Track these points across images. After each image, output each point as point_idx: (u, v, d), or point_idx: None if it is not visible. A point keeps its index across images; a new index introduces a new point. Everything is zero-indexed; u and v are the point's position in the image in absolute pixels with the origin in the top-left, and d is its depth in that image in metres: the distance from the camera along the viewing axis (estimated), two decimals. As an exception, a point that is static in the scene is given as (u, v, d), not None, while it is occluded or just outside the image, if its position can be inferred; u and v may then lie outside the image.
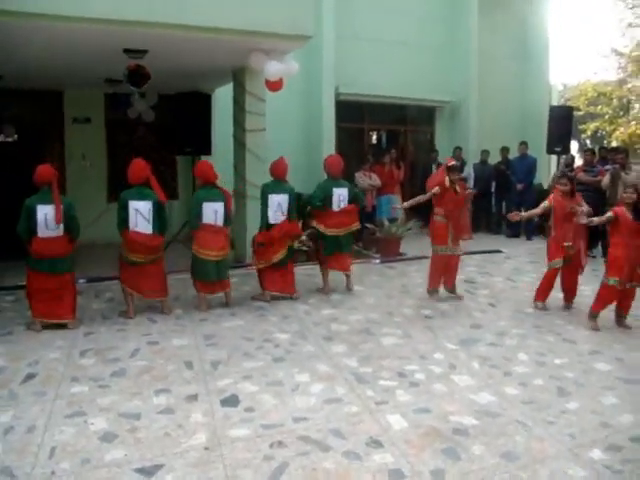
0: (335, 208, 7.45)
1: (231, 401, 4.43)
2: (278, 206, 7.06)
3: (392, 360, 5.28)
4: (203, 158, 10.80)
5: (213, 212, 6.56)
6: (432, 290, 7.50)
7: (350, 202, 7.52)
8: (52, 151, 11.04)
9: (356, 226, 7.68)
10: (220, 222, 6.63)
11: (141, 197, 6.29)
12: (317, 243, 7.72)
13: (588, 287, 7.32)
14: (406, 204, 7.84)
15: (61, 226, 5.89)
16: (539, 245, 11.69)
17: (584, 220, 6.54)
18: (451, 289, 7.54)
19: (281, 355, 5.40)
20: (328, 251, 7.50)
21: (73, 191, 10.57)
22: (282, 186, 7.21)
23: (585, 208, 6.70)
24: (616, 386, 4.82)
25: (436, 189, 7.22)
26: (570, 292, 7.13)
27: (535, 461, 3.64)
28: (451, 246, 7.33)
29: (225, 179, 9.76)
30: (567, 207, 6.76)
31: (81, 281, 7.79)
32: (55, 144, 11.11)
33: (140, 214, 6.25)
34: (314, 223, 7.53)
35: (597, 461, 3.65)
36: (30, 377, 4.83)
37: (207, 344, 5.67)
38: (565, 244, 6.78)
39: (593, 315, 6.34)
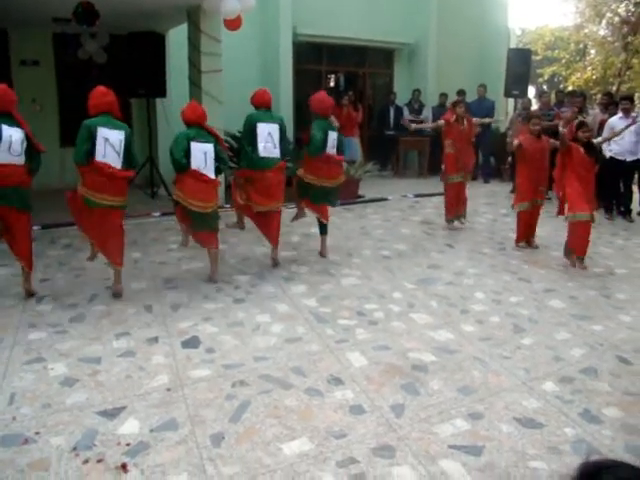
0: (329, 150, 6.49)
1: (192, 343, 4.44)
2: (269, 136, 6.06)
3: (351, 300, 5.34)
4: (158, 100, 10.60)
5: (202, 154, 5.57)
6: (450, 219, 8.20)
7: (337, 149, 6.62)
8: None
9: (342, 179, 6.84)
10: (211, 168, 5.59)
11: (112, 126, 5.20)
12: (300, 189, 6.72)
13: (542, 228, 7.48)
14: (414, 125, 8.83)
15: (22, 153, 5.05)
16: (496, 188, 11.89)
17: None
18: (462, 214, 8.35)
19: (241, 297, 5.41)
20: (316, 201, 6.64)
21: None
22: (271, 114, 6.25)
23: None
24: (569, 322, 4.97)
25: (441, 122, 8.13)
26: (532, 231, 7.31)
27: (491, 394, 3.76)
28: (461, 174, 8.10)
29: (181, 122, 9.63)
30: (537, 148, 6.89)
31: (35, 228, 7.62)
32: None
33: (110, 145, 5.14)
34: (301, 172, 6.56)
35: (550, 392, 3.79)
36: (-14, 325, 4.76)
37: (166, 287, 5.65)
38: (540, 188, 7.02)
39: (581, 258, 6.49)
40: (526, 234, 7.26)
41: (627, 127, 7.63)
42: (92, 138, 5.08)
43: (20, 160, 5.01)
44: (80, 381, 3.86)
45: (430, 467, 3.00)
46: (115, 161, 5.18)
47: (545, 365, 4.19)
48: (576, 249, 6.46)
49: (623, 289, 5.83)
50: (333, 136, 6.49)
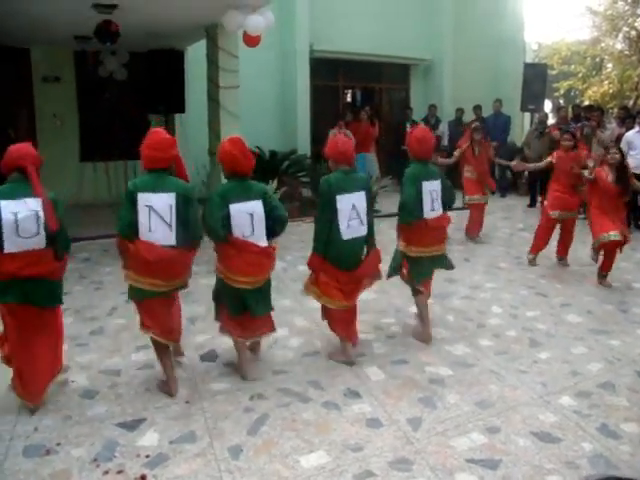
0: (427, 214, 4.72)
1: (210, 356, 4.49)
2: (352, 210, 4.25)
3: (369, 314, 5.36)
4: (176, 116, 10.72)
5: (247, 217, 4.00)
6: (472, 237, 8.53)
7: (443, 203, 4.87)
8: (20, 112, 10.80)
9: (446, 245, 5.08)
10: (260, 234, 4.06)
11: (159, 187, 3.80)
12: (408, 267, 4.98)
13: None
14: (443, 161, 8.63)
15: (42, 234, 3.62)
16: (512, 202, 11.87)
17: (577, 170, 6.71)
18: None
19: (259, 311, 5.44)
20: (419, 276, 4.92)
21: (44, 151, 10.33)
22: (353, 178, 4.34)
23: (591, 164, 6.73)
24: (585, 337, 4.96)
25: (457, 152, 8.49)
26: (565, 249, 7.21)
27: (508, 408, 3.77)
28: (482, 196, 8.41)
29: (200, 137, 9.74)
30: (569, 163, 6.84)
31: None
32: (24, 104, 10.86)
33: (155, 213, 3.76)
34: (402, 245, 4.89)
35: (567, 407, 3.79)
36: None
37: (185, 301, 5.67)
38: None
39: (603, 275, 6.45)
40: (543, 246, 7.15)
41: None
42: (134, 205, 3.76)
43: (40, 242, 3.61)
44: (100, 393, 3.92)
45: (447, 481, 3.02)
46: (165, 236, 3.80)
47: (562, 379, 4.18)
48: (602, 267, 6.46)
49: (641, 304, 5.81)
50: (430, 186, 4.74)
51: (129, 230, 3.75)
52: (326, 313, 4.51)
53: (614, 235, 6.11)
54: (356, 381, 4.10)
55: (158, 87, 9.85)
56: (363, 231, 4.33)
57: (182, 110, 10.19)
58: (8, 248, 3.51)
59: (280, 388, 3.98)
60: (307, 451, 3.26)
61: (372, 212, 4.52)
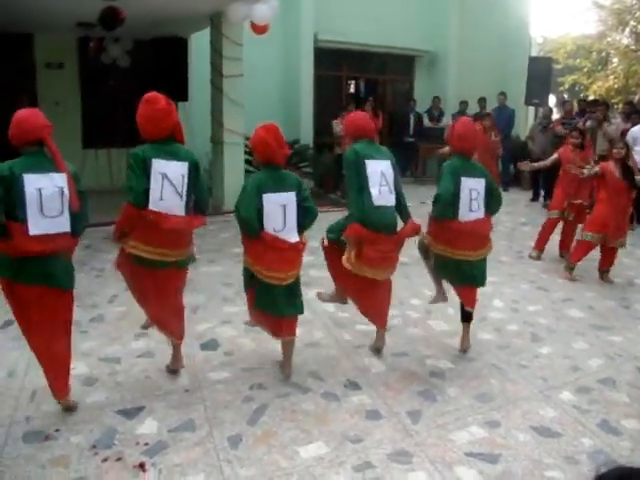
0: (465, 215, 4.30)
1: (211, 345, 4.48)
2: (382, 177, 4.11)
3: (370, 306, 5.34)
4: (180, 104, 10.67)
5: (280, 209, 3.85)
6: None
7: (486, 203, 4.42)
8: (23, 98, 10.74)
9: (490, 247, 4.52)
10: (292, 228, 3.90)
11: (171, 155, 3.69)
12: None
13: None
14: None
15: (66, 214, 3.36)
16: (515, 196, 11.84)
17: (575, 171, 6.70)
18: None
19: (260, 301, 5.43)
20: (455, 281, 4.53)
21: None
22: (377, 147, 4.30)
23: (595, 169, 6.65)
24: (587, 332, 4.95)
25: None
26: (566, 245, 7.18)
27: (508, 402, 3.76)
28: None
29: (203, 126, 9.71)
30: (575, 160, 6.82)
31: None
32: (26, 91, 10.80)
33: (169, 181, 3.63)
34: (428, 238, 4.51)
35: (567, 402, 3.79)
36: (8, 323, 4.79)
37: (185, 290, 5.67)
38: (575, 201, 6.90)
39: (570, 267, 6.46)
40: (544, 243, 7.17)
41: None
42: (146, 172, 3.59)
43: (65, 224, 3.36)
44: (100, 380, 3.92)
45: (446, 473, 3.01)
46: (176, 205, 3.68)
47: (563, 375, 4.18)
48: (599, 264, 6.52)
49: (643, 300, 5.80)
50: (472, 184, 4.31)
51: (144, 198, 3.55)
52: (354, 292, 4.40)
53: (591, 236, 6.25)
54: (356, 372, 4.09)
55: (161, 75, 9.81)
56: (392, 200, 4.18)
57: (185, 98, 10.16)
58: (33, 231, 3.21)
59: (280, 378, 3.97)
60: (306, 442, 3.26)
61: (400, 182, 4.31)
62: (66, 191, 3.31)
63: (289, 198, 3.86)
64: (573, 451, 3.25)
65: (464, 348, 4.50)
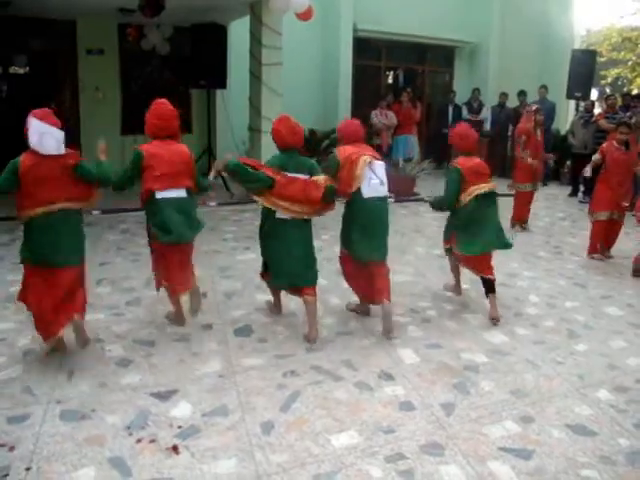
0: None
1: (245, 331, 4.50)
2: (369, 171, 4.46)
3: (404, 297, 5.32)
4: (218, 92, 10.73)
5: None
6: (515, 223, 8.21)
7: None
8: (64, 83, 10.92)
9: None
10: None
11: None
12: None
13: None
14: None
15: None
16: (554, 191, 11.67)
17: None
18: (525, 220, 8.32)
19: (294, 289, 5.45)
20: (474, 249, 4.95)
21: (86, 123, 10.54)
22: (364, 147, 4.68)
23: None
24: (625, 330, 4.85)
25: (523, 138, 7.92)
26: (608, 243, 7.03)
27: (543, 398, 3.70)
28: (533, 184, 8.12)
29: (240, 113, 9.74)
30: (620, 159, 6.67)
31: (95, 212, 7.86)
32: (68, 77, 10.97)
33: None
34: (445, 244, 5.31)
35: (603, 401, 3.71)
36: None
37: (221, 276, 5.73)
38: (624, 204, 6.78)
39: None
40: (599, 246, 6.91)
41: None
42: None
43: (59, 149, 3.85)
44: (135, 362, 3.96)
45: (478, 468, 2.98)
46: None
47: (599, 373, 4.10)
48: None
49: (684, 299, 5.66)
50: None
51: (124, 184, 4.33)
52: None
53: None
54: (390, 363, 4.07)
55: (200, 62, 9.85)
56: (383, 192, 4.56)
57: (224, 86, 10.18)
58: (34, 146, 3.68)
59: (313, 366, 3.97)
60: (338, 430, 3.25)
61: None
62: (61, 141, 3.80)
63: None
64: (609, 451, 3.18)
65: (493, 316, 4.85)
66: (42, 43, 10.56)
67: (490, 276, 4.95)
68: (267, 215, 4.43)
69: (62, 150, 3.76)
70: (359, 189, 4.40)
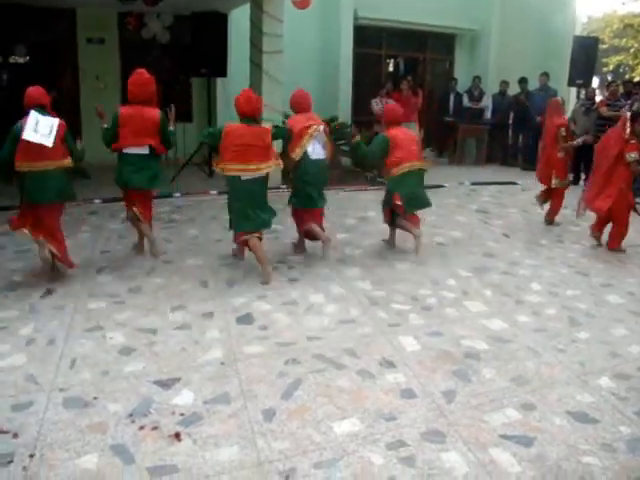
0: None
1: (246, 319, 4.51)
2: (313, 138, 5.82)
3: (405, 284, 5.33)
4: (219, 80, 10.68)
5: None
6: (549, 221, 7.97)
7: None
8: (65, 72, 10.89)
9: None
10: None
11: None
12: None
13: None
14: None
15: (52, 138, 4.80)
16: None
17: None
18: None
19: (295, 276, 5.46)
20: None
21: (87, 112, 10.50)
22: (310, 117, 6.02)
23: None
24: (626, 318, 4.85)
25: (562, 130, 7.56)
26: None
27: (544, 386, 3.71)
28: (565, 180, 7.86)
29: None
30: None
31: (97, 201, 7.86)
32: (68, 65, 10.93)
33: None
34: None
35: (604, 388, 3.72)
36: (49, 292, 4.91)
37: (222, 264, 5.73)
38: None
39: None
40: (603, 225, 6.86)
41: None
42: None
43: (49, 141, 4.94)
44: (137, 350, 3.97)
45: (480, 455, 2.99)
46: None
47: (601, 360, 4.10)
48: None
49: (686, 287, 5.66)
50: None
51: (109, 137, 5.51)
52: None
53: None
54: (391, 350, 4.08)
55: (201, 50, 9.81)
56: (323, 155, 5.86)
57: (224, 74, 10.15)
58: (25, 136, 4.64)
59: (315, 354, 3.98)
60: (340, 418, 3.26)
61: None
62: (54, 128, 4.83)
63: None
64: (610, 438, 3.19)
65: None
66: (42, 32, 10.52)
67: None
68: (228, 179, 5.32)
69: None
70: (306, 152, 5.67)
